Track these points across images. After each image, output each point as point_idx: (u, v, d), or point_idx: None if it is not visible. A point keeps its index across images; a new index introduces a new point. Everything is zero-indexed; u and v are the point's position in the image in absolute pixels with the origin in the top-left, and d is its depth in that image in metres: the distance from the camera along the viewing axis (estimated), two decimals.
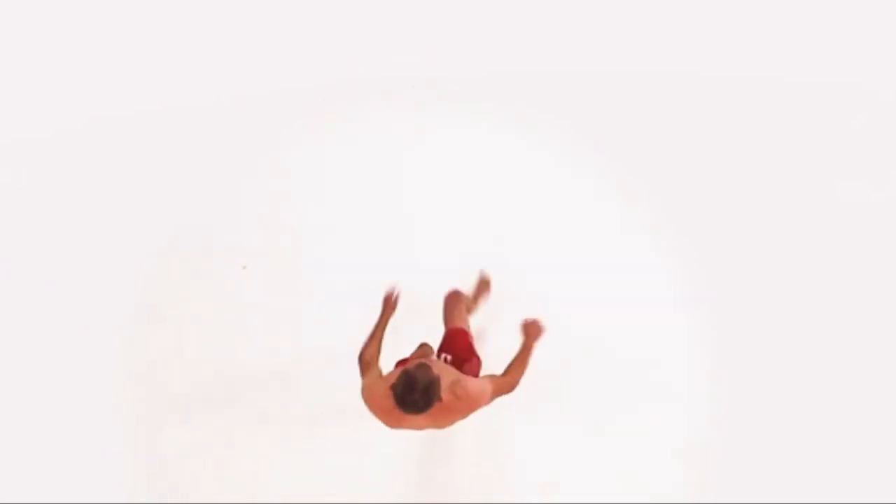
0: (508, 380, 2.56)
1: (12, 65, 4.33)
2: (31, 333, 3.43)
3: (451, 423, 2.51)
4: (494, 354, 3.34)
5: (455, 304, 2.98)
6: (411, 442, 3.13)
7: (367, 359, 2.55)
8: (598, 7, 4.45)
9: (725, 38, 4.33)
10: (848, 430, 3.09)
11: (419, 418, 2.37)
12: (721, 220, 3.72)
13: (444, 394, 2.35)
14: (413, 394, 2.26)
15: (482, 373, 2.75)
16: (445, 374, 2.44)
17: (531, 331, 2.66)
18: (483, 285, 3.42)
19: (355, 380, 3.29)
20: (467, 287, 3.31)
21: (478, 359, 2.82)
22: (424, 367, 2.31)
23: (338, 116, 4.28)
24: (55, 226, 3.79)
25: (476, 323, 3.36)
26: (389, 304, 2.67)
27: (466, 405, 2.44)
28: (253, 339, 3.41)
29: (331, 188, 3.94)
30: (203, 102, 4.25)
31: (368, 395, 2.47)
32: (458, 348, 2.79)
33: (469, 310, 3.17)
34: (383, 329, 2.63)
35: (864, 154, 3.95)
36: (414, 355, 2.89)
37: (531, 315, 2.69)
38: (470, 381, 2.49)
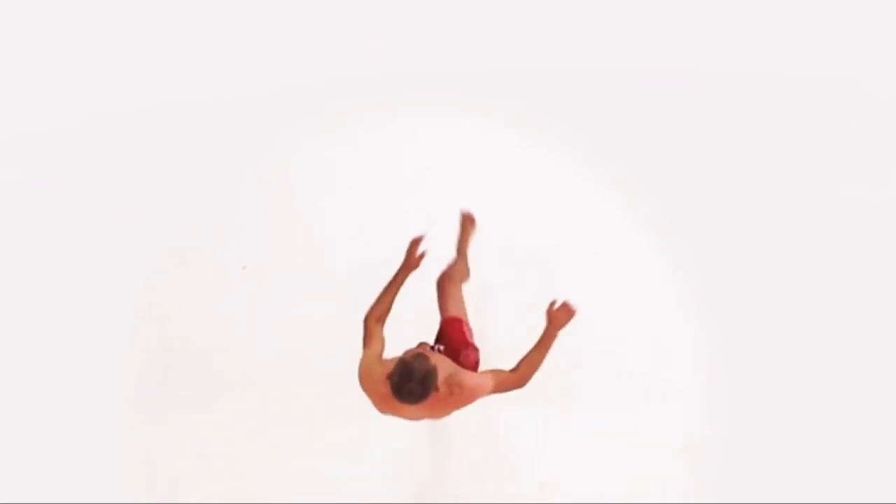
0: (519, 375, 2.48)
1: (12, 65, 4.34)
2: (31, 333, 3.43)
3: (445, 414, 2.46)
4: (496, 351, 3.35)
5: (449, 289, 2.87)
6: (412, 442, 3.13)
7: (372, 323, 2.46)
8: (598, 7, 4.45)
9: (725, 38, 4.34)
10: (848, 429, 3.09)
11: (412, 408, 2.32)
12: (721, 220, 3.72)
13: (441, 385, 2.30)
14: (409, 383, 2.22)
15: (483, 365, 2.69)
16: (442, 365, 2.39)
17: (558, 317, 2.52)
18: (467, 224, 3.22)
19: (355, 379, 3.30)
20: (453, 239, 3.17)
21: (474, 349, 2.75)
22: (422, 357, 2.26)
23: (337, 116, 4.28)
24: (55, 226, 3.79)
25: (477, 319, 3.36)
26: (413, 257, 2.53)
27: (460, 399, 2.39)
28: (253, 338, 3.41)
29: (330, 187, 3.94)
30: (203, 102, 4.26)
31: (364, 377, 2.40)
32: (452, 338, 2.72)
33: (464, 278, 3.04)
34: (398, 287, 2.51)
35: (864, 154, 3.95)
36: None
37: (558, 297, 2.51)
38: (467, 376, 2.43)
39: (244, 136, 4.19)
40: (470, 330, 2.80)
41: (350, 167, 4.04)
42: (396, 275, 2.53)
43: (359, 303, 3.51)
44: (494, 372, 2.48)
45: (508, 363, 3.25)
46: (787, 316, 3.40)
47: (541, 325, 3.41)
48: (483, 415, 3.20)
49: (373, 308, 2.49)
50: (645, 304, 3.50)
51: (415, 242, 2.55)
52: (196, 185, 3.97)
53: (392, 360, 2.38)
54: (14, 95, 4.25)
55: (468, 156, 4.05)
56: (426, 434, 3.17)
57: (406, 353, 2.34)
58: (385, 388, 2.30)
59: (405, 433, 3.15)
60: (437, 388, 2.28)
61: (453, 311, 2.81)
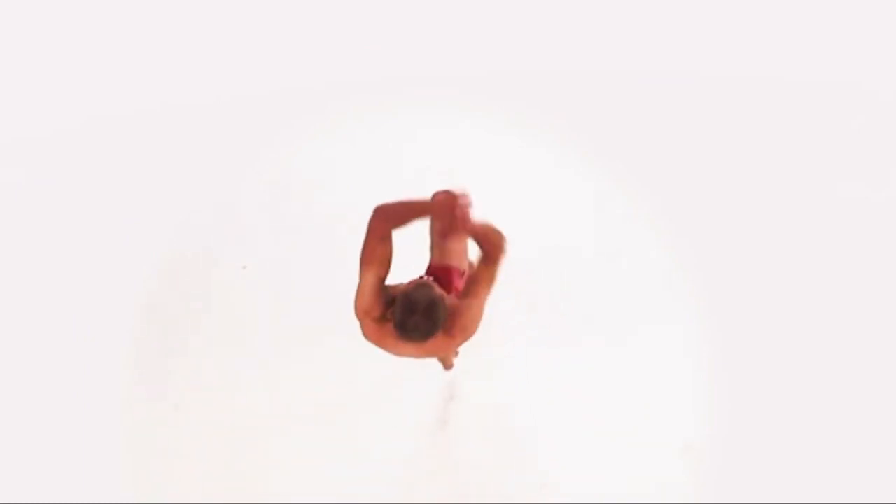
0: (487, 260, 2.13)
1: (12, 65, 4.34)
2: (31, 334, 3.43)
3: (445, 354, 2.20)
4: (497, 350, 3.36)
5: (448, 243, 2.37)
6: (412, 443, 3.14)
7: (378, 237, 2.07)
8: (598, 7, 4.45)
9: (725, 38, 4.34)
10: (848, 429, 3.09)
11: (414, 347, 2.06)
12: (721, 220, 3.72)
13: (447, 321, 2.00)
14: (413, 316, 1.95)
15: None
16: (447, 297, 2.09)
17: (447, 212, 2.08)
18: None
19: (357, 380, 3.30)
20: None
21: None
22: (425, 287, 2.00)
23: (337, 116, 4.28)
24: (55, 226, 3.79)
25: None
26: (440, 207, 2.10)
27: (461, 336, 2.10)
28: (253, 339, 3.41)
29: (330, 188, 3.94)
30: (203, 102, 4.26)
31: (361, 309, 2.10)
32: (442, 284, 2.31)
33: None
34: (418, 214, 2.13)
35: (864, 154, 3.95)
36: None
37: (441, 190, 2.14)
38: (464, 312, 2.09)
39: (244, 136, 4.18)
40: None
41: (350, 167, 4.03)
42: (421, 205, 2.20)
43: None
44: (473, 285, 2.16)
45: (508, 361, 3.26)
46: (788, 316, 3.40)
47: (539, 324, 3.42)
48: (483, 415, 3.21)
49: (384, 210, 2.10)
50: (645, 304, 3.50)
51: (447, 196, 2.15)
52: (196, 185, 3.97)
53: (397, 287, 2.10)
54: (14, 95, 4.25)
55: (468, 156, 4.05)
56: (426, 434, 3.17)
57: (408, 283, 2.10)
58: (386, 327, 2.06)
59: (405, 434, 3.16)
60: (446, 319, 2.01)
61: (448, 261, 2.43)
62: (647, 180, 3.89)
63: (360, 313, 2.14)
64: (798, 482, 2.96)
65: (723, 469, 3.03)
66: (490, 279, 2.15)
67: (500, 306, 3.46)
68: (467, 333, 2.13)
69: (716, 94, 4.18)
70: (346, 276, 3.60)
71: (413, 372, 3.28)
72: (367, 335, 2.18)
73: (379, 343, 2.17)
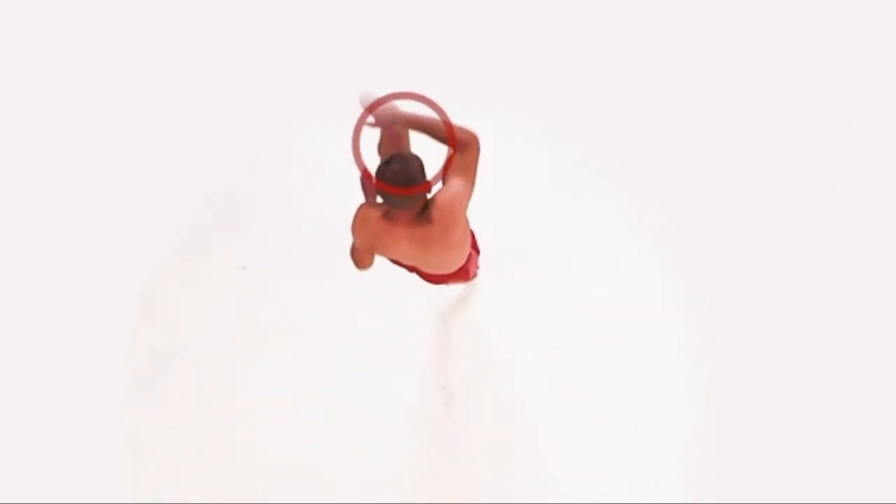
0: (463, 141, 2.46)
1: (12, 65, 4.34)
2: (31, 333, 3.43)
3: (439, 240, 2.40)
4: (498, 350, 3.36)
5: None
6: (412, 443, 3.13)
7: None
8: (598, 7, 4.46)
9: (725, 38, 4.34)
10: (848, 429, 3.09)
11: (403, 236, 2.32)
12: (721, 220, 3.73)
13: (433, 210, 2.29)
14: (391, 163, 2.25)
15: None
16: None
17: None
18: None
19: (357, 380, 3.31)
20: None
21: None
22: (402, 151, 2.31)
23: (337, 116, 4.28)
24: (55, 226, 3.79)
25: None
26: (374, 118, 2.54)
27: (450, 214, 2.37)
28: (252, 339, 3.41)
29: (331, 188, 3.94)
30: (203, 102, 4.26)
31: (357, 215, 2.45)
32: None
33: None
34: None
35: (864, 154, 3.95)
36: None
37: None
38: (445, 188, 2.40)
39: (244, 136, 4.19)
40: None
41: (350, 167, 4.03)
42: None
43: (360, 303, 3.52)
44: (453, 170, 2.44)
45: (507, 363, 3.26)
46: (787, 316, 3.40)
47: (538, 326, 3.41)
48: (483, 415, 3.21)
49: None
50: (645, 303, 3.50)
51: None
52: (196, 185, 3.97)
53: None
54: (14, 95, 4.26)
55: None
56: (426, 434, 3.17)
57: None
58: (375, 217, 2.36)
59: (405, 434, 3.16)
60: (425, 186, 2.29)
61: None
62: (647, 180, 3.89)
63: (355, 218, 2.47)
64: (798, 482, 2.96)
65: (722, 469, 3.03)
66: (463, 169, 2.43)
67: (499, 306, 3.47)
68: (453, 208, 2.37)
69: (716, 94, 4.18)
70: (347, 276, 3.60)
71: (413, 372, 3.29)
72: (360, 241, 2.47)
73: (372, 240, 2.44)
